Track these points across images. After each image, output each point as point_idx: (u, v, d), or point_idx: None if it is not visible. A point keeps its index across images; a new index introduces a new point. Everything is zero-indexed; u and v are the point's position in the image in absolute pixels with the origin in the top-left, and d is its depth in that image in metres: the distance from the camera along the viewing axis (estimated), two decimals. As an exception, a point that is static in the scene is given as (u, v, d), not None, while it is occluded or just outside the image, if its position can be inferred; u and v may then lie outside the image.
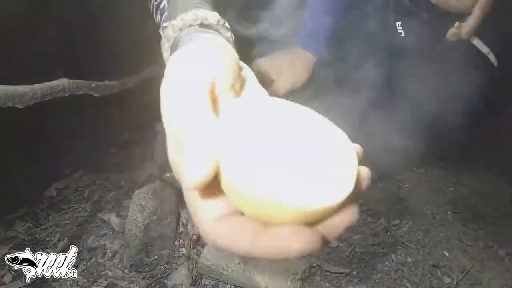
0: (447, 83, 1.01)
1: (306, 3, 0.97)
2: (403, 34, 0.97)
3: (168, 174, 1.05)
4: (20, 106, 0.54)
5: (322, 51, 0.96)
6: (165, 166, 1.06)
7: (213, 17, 0.38)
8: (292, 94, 0.98)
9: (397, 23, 0.98)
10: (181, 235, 1.00)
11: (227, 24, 0.40)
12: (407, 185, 1.31)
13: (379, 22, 0.95)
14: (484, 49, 0.81)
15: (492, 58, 0.84)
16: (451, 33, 0.77)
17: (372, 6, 0.95)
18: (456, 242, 1.02)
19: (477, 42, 0.80)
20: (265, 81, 0.95)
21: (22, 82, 0.55)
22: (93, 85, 0.73)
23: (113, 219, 1.09)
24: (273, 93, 0.91)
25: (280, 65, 0.94)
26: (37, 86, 0.57)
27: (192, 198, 0.28)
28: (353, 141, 0.30)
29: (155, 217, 0.95)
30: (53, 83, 0.61)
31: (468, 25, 0.74)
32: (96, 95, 0.76)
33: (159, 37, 0.41)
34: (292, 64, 0.94)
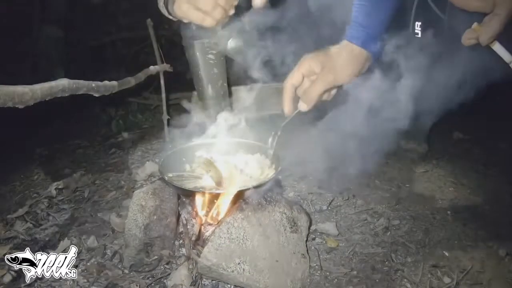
0: (451, 86, 1.00)
1: None
2: (419, 35, 0.94)
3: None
4: (20, 106, 0.54)
5: (371, 45, 0.92)
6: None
7: None
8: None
9: (417, 23, 0.95)
10: (181, 235, 1.00)
11: None
12: (407, 185, 1.31)
13: (399, 20, 0.92)
14: (506, 57, 0.66)
15: None
16: (468, 37, 0.66)
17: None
18: (456, 242, 1.02)
19: (497, 47, 0.66)
20: (310, 75, 0.93)
21: (22, 82, 0.55)
22: (93, 85, 0.73)
23: (113, 219, 1.09)
24: (316, 85, 0.90)
25: (324, 60, 0.91)
26: (37, 86, 0.57)
27: None
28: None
29: (155, 217, 0.95)
30: (53, 83, 0.61)
31: (489, 28, 0.61)
32: (96, 95, 0.76)
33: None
34: (336, 58, 0.91)
